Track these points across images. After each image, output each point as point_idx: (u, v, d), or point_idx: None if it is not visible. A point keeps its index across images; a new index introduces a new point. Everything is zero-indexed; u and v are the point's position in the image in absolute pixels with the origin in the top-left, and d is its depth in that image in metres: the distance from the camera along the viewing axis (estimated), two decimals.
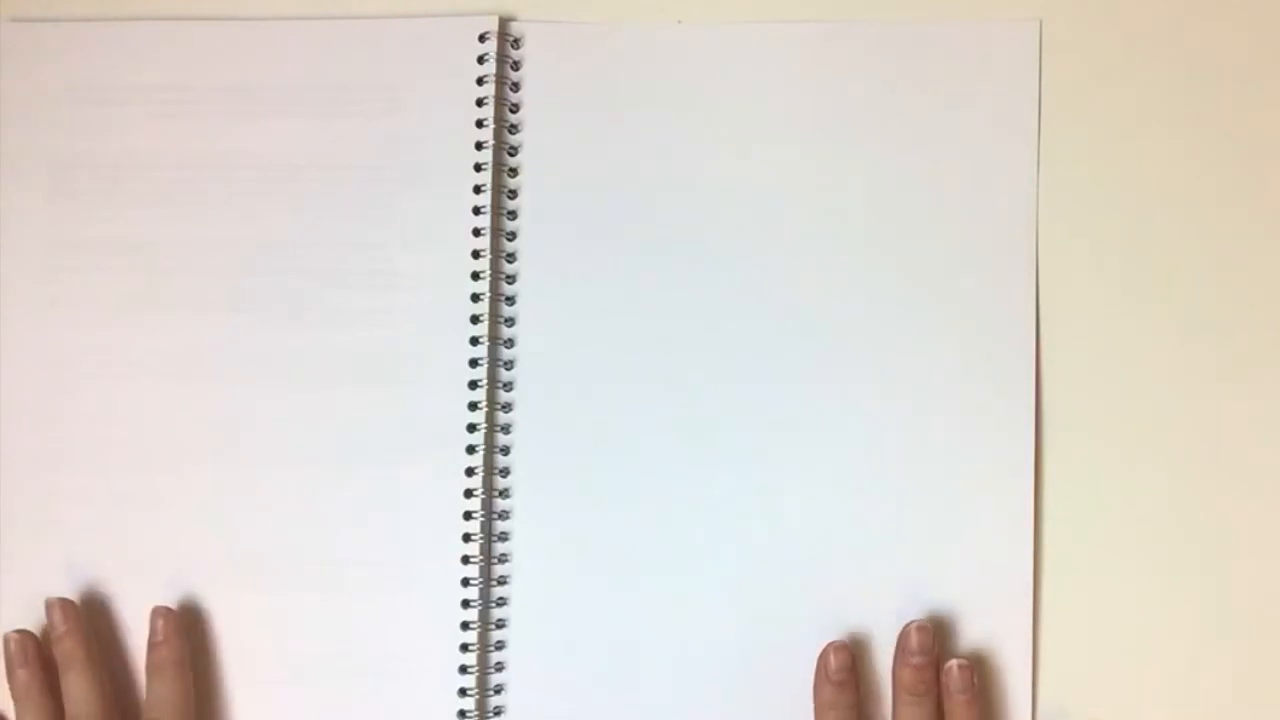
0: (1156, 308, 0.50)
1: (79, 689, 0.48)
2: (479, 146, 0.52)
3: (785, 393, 0.50)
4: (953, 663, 0.47)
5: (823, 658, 0.48)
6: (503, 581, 0.50)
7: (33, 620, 0.51)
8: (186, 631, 0.50)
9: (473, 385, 0.51)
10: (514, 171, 0.52)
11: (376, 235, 0.52)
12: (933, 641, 0.47)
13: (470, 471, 0.51)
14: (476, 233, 0.52)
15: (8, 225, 0.53)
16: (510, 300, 0.52)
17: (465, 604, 0.50)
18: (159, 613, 0.50)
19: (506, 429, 0.51)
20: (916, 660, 0.47)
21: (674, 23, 0.52)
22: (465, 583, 0.50)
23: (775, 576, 0.50)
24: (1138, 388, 0.49)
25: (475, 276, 0.51)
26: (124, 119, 0.53)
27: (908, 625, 0.47)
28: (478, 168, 0.52)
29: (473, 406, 0.51)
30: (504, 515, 0.51)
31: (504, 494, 0.51)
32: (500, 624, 0.50)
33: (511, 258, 0.52)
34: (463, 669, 0.50)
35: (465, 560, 0.50)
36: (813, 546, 0.50)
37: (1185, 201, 0.50)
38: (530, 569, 0.51)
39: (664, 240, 0.51)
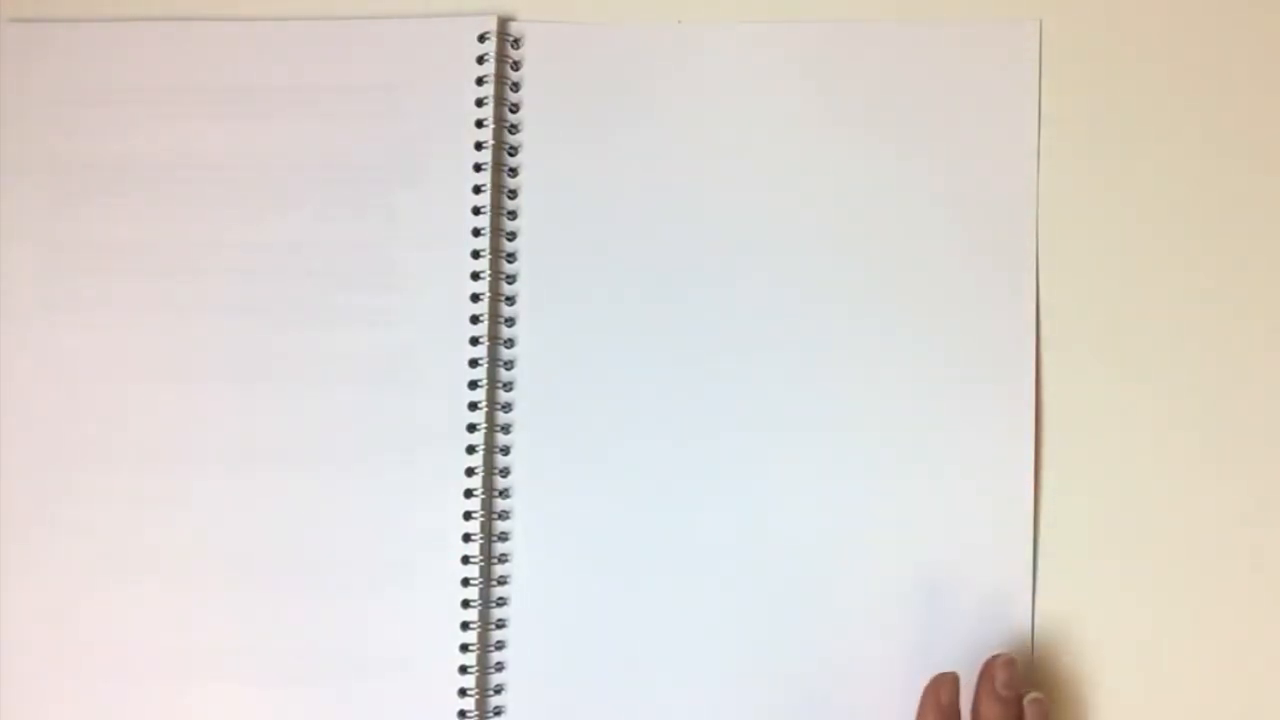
0: (1157, 307, 0.50)
1: None
2: (479, 146, 0.52)
3: (786, 391, 0.50)
4: (1029, 697, 0.45)
5: (934, 690, 0.46)
6: (503, 581, 0.50)
7: (28, 620, 0.51)
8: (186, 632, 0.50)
9: (473, 385, 0.51)
10: (514, 171, 0.52)
11: (376, 235, 0.52)
12: (1019, 677, 0.45)
13: (470, 471, 0.51)
14: (476, 233, 0.52)
15: (8, 225, 0.53)
16: (510, 300, 0.52)
17: (465, 604, 0.50)
18: None
19: (506, 429, 0.51)
20: (1006, 693, 0.45)
21: (674, 23, 0.52)
22: (465, 583, 0.50)
23: (775, 576, 0.50)
24: (1138, 387, 0.49)
25: (475, 276, 0.51)
26: (124, 119, 0.53)
27: (994, 658, 0.46)
28: (478, 168, 0.52)
29: (473, 406, 0.51)
30: (504, 515, 0.51)
31: (504, 494, 0.51)
32: (500, 624, 0.50)
33: (511, 258, 0.52)
34: (463, 669, 0.50)
35: (465, 560, 0.50)
36: (812, 545, 0.50)
37: (1185, 201, 0.50)
38: (530, 569, 0.51)
39: (664, 239, 0.51)
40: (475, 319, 0.51)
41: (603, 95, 0.52)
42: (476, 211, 0.52)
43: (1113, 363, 0.50)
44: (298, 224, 0.52)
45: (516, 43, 0.53)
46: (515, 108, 0.52)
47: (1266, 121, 0.50)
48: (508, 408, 0.51)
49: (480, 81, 0.52)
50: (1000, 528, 0.49)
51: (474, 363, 0.51)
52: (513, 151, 0.52)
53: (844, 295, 0.51)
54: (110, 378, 0.52)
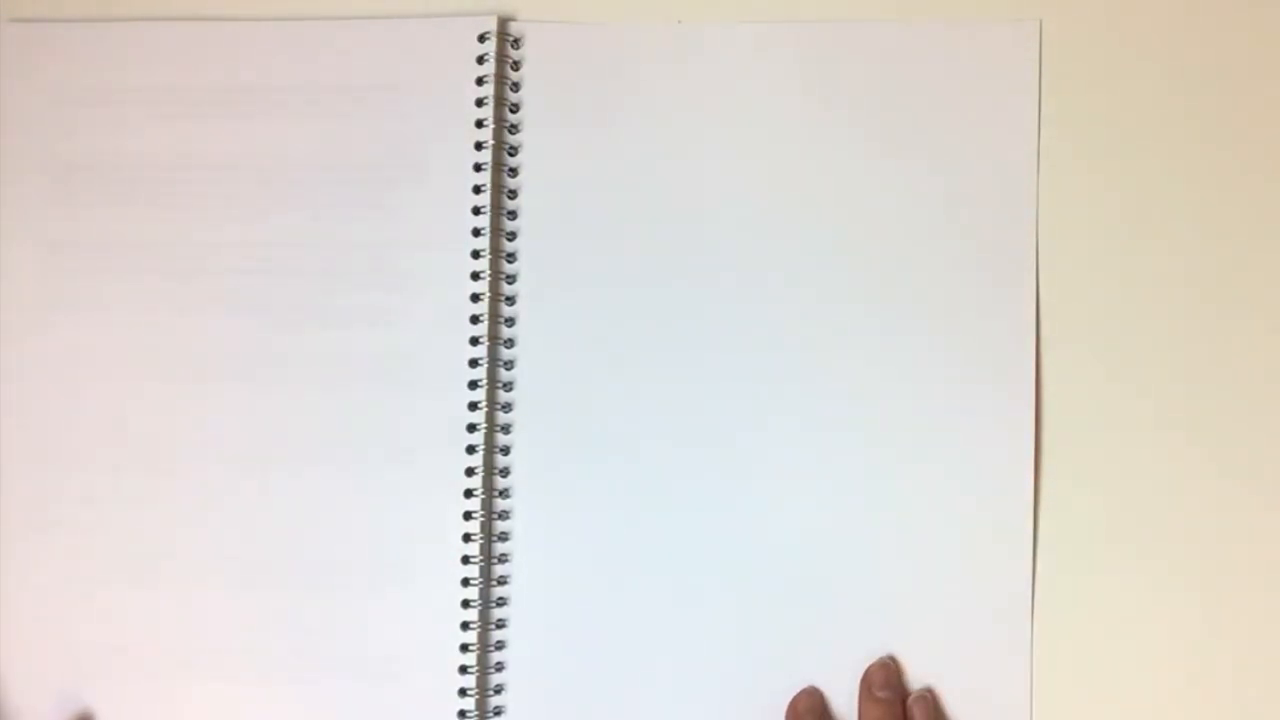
0: (1157, 307, 0.50)
1: None
2: (479, 146, 0.52)
3: (785, 391, 0.50)
4: (913, 695, 0.48)
5: (791, 706, 0.48)
6: (503, 581, 0.50)
7: (28, 620, 0.51)
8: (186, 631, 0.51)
9: (473, 385, 0.51)
10: (514, 171, 0.52)
11: (376, 235, 0.52)
12: (897, 677, 0.48)
13: (470, 471, 0.51)
14: (476, 233, 0.52)
15: (8, 225, 0.53)
16: (510, 300, 0.52)
17: (465, 604, 0.50)
18: None
19: (506, 429, 0.51)
20: (882, 695, 0.47)
21: (674, 23, 0.52)
22: (465, 583, 0.50)
23: (775, 576, 0.50)
24: (1138, 387, 0.49)
25: (475, 276, 0.51)
26: (124, 119, 0.53)
27: (872, 664, 0.48)
28: (478, 168, 0.52)
29: (473, 406, 0.51)
30: (504, 515, 0.51)
31: (504, 494, 0.51)
32: (500, 624, 0.50)
33: (511, 258, 0.52)
34: (463, 669, 0.50)
35: (465, 560, 0.50)
36: (812, 544, 0.50)
37: (1185, 201, 0.50)
38: (530, 569, 0.51)
39: (663, 240, 0.51)
40: (475, 319, 0.51)
41: (603, 95, 0.52)
42: (476, 211, 0.52)
43: (1113, 363, 0.50)
44: (298, 224, 0.52)
45: (516, 43, 0.53)
46: (515, 108, 0.52)
47: (1267, 121, 0.50)
48: (508, 408, 0.51)
49: (480, 81, 0.52)
50: (1000, 528, 0.49)
51: (474, 363, 0.51)
52: (513, 151, 0.52)
53: (844, 295, 0.51)
54: (110, 378, 0.52)
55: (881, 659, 0.48)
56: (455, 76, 0.52)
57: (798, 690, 0.49)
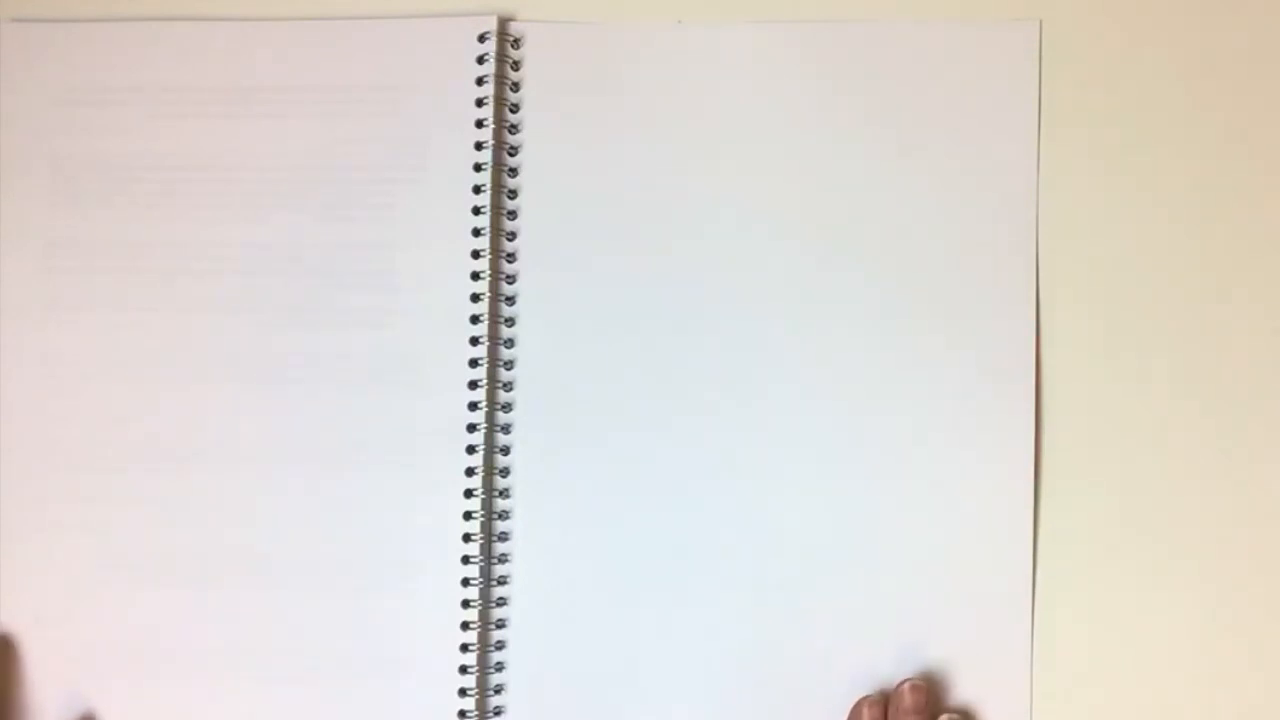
0: (1157, 307, 0.50)
1: None
2: (479, 146, 0.52)
3: (786, 391, 0.50)
4: (943, 718, 0.47)
5: (855, 712, 0.47)
6: (503, 581, 0.51)
7: (29, 620, 0.51)
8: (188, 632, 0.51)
9: (473, 385, 0.51)
10: (514, 171, 0.52)
11: (376, 235, 0.52)
12: (926, 700, 0.47)
13: (470, 471, 0.51)
14: (476, 233, 0.52)
15: (8, 225, 0.53)
16: (510, 300, 0.52)
17: (465, 604, 0.50)
18: None
19: (506, 429, 0.51)
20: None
21: (674, 23, 0.52)
22: (465, 583, 0.50)
23: (773, 577, 0.50)
24: (1138, 387, 0.49)
25: (475, 276, 0.51)
26: (124, 119, 0.53)
27: (902, 684, 0.47)
28: (478, 168, 0.52)
29: (473, 406, 0.51)
30: (504, 515, 0.51)
31: (504, 494, 0.51)
32: (500, 624, 0.50)
33: (511, 258, 0.52)
34: (463, 669, 0.50)
35: (465, 560, 0.50)
36: (811, 544, 0.50)
37: (1185, 201, 0.50)
38: (530, 569, 0.51)
39: (663, 240, 0.51)
40: (475, 319, 0.51)
41: (603, 95, 0.52)
42: (476, 211, 0.52)
43: (1113, 363, 0.50)
44: (298, 224, 0.52)
45: (516, 43, 0.53)
46: (515, 108, 0.52)
47: (1266, 121, 0.50)
48: (508, 408, 0.51)
49: (480, 81, 0.52)
50: (1000, 528, 0.49)
51: (474, 363, 0.51)
52: (513, 151, 0.52)
53: (844, 295, 0.51)
54: (111, 378, 0.52)
55: (913, 681, 0.47)
56: (455, 76, 0.52)
57: (794, 689, 0.49)
